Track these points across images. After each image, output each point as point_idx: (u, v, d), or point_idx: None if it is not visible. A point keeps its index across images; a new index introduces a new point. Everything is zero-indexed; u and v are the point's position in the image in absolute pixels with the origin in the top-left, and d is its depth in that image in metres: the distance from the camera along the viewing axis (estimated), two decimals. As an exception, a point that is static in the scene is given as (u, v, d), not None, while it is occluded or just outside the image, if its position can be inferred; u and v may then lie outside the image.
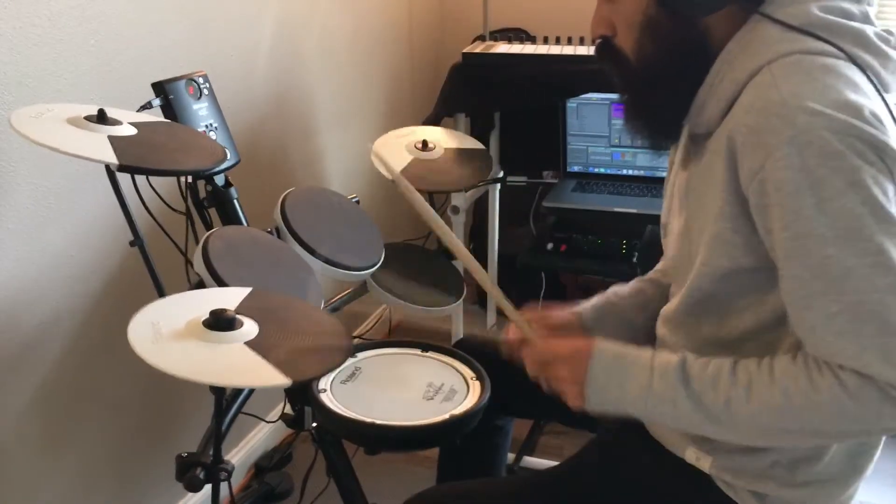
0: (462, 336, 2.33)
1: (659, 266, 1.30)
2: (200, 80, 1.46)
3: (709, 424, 0.96)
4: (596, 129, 2.38)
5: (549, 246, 2.23)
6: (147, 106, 1.35)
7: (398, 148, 1.71)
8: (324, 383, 1.19)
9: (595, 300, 1.28)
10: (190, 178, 1.44)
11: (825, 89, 0.86)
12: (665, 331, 1.12)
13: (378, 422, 1.11)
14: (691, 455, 1.08)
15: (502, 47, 2.37)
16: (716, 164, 0.96)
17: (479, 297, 2.74)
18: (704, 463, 1.07)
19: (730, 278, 0.98)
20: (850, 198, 0.84)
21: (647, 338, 1.19)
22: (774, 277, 0.93)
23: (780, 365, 0.92)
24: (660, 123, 1.06)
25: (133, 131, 1.20)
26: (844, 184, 0.84)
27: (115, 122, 1.19)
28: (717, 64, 0.97)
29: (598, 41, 1.06)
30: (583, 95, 2.33)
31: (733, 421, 0.94)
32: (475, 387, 1.20)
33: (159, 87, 1.38)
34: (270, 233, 1.46)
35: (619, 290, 1.28)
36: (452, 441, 1.16)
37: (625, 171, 2.38)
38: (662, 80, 1.01)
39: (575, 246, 2.22)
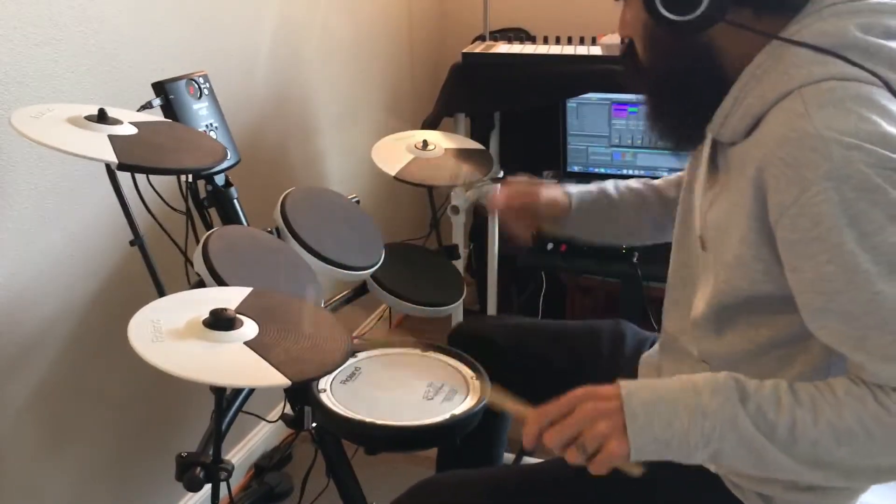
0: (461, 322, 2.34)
1: (659, 182, 1.35)
2: (201, 80, 1.46)
3: (770, 449, 0.87)
4: (596, 129, 2.38)
5: (549, 246, 2.23)
6: (147, 106, 1.35)
7: (398, 148, 1.71)
8: (324, 383, 1.19)
9: (588, 187, 1.33)
10: (190, 178, 1.44)
11: (860, 121, 0.84)
12: (684, 336, 1.13)
13: (378, 422, 1.10)
14: None
15: (502, 47, 2.37)
16: (741, 186, 0.94)
17: (480, 298, 2.74)
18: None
19: (748, 299, 0.98)
20: (891, 231, 0.83)
21: (628, 234, 1.32)
22: (793, 303, 0.92)
23: (842, 386, 0.88)
24: (676, 129, 1.05)
25: (133, 131, 1.20)
26: (885, 217, 0.83)
27: (116, 122, 1.19)
28: (744, 76, 0.94)
29: (624, 42, 1.07)
30: (583, 95, 2.33)
31: (795, 446, 0.87)
32: (475, 387, 1.20)
33: (160, 87, 1.38)
34: (271, 233, 1.46)
35: (614, 185, 1.34)
36: (453, 441, 1.16)
37: (625, 171, 2.38)
38: (671, 89, 1.00)
39: (575, 246, 2.22)
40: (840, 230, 0.83)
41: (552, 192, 1.35)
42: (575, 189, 1.36)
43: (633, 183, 1.36)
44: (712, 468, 1.08)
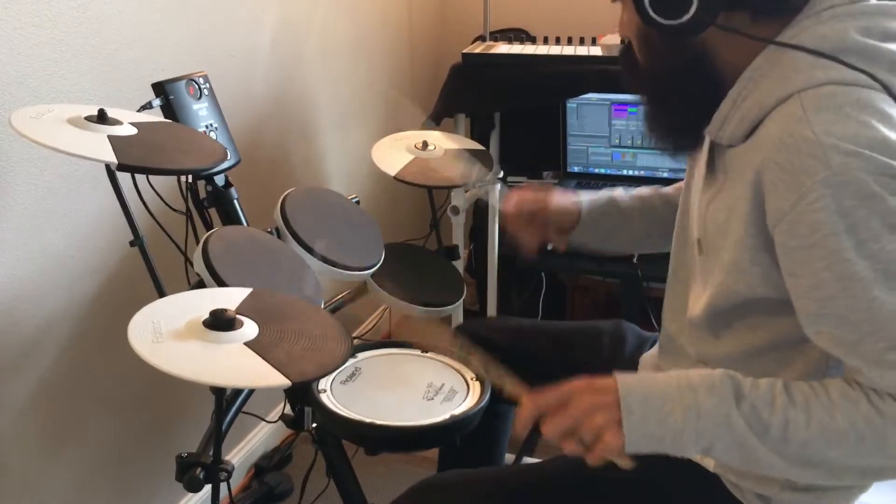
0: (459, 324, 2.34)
1: (669, 190, 1.33)
2: (201, 81, 1.46)
3: (761, 448, 0.87)
4: (596, 129, 2.38)
5: (549, 246, 2.23)
6: (147, 106, 1.35)
7: (398, 148, 1.71)
8: (324, 383, 1.19)
9: (597, 195, 1.32)
10: (190, 178, 1.45)
11: (859, 127, 0.83)
12: (682, 336, 1.12)
13: (378, 422, 1.11)
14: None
15: (502, 47, 2.37)
16: (739, 189, 0.94)
17: (480, 298, 2.74)
18: (709, 461, 1.07)
19: (746, 302, 0.98)
20: (888, 239, 0.82)
21: (636, 243, 1.32)
22: (790, 306, 0.92)
23: (837, 388, 0.88)
24: (673, 132, 1.05)
25: (133, 131, 1.20)
26: (882, 225, 0.82)
27: (116, 122, 1.19)
28: (742, 80, 0.94)
29: (624, 43, 1.06)
30: (583, 95, 2.33)
31: (786, 446, 0.87)
32: (475, 387, 1.20)
33: (159, 88, 1.38)
34: (270, 233, 1.46)
35: (623, 193, 1.32)
36: (452, 441, 1.16)
37: (625, 172, 2.38)
38: (667, 91, 1.00)
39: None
40: (838, 237, 0.83)
41: (562, 199, 1.32)
42: (585, 197, 1.33)
43: (644, 190, 1.34)
44: (710, 466, 1.08)
